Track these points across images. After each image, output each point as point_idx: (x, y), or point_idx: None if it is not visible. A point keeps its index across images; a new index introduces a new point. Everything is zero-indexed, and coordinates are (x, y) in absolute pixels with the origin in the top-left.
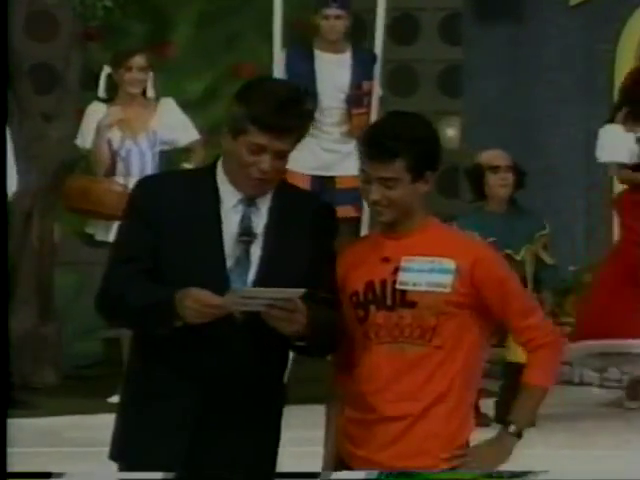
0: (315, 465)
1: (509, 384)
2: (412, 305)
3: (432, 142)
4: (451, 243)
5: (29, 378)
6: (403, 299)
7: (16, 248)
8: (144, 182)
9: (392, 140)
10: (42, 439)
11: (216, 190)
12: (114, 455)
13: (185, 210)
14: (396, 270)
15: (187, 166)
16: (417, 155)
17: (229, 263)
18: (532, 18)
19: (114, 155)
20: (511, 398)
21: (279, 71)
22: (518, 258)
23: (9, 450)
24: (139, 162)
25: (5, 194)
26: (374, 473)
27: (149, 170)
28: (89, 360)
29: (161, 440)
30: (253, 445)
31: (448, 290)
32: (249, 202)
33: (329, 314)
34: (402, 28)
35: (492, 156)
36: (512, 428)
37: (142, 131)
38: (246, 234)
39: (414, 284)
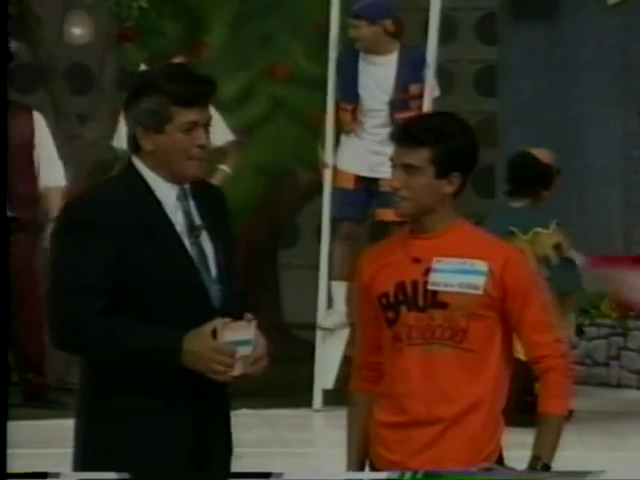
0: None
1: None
2: (443, 306)
3: (464, 143)
4: (482, 245)
5: (65, 379)
6: (434, 300)
7: (48, 249)
8: (84, 200)
9: (421, 129)
10: None
11: (152, 193)
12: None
13: (138, 220)
14: (427, 271)
15: (222, 168)
16: (444, 150)
17: (195, 262)
18: (568, 18)
19: None
20: (516, 394)
21: (332, 70)
22: (525, 237)
23: (48, 451)
24: None
25: (5, 195)
26: (399, 474)
27: None
28: None
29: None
30: (228, 441)
31: (480, 292)
32: (185, 196)
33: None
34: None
35: (542, 157)
36: (540, 463)
37: None
38: (196, 229)
39: (446, 285)
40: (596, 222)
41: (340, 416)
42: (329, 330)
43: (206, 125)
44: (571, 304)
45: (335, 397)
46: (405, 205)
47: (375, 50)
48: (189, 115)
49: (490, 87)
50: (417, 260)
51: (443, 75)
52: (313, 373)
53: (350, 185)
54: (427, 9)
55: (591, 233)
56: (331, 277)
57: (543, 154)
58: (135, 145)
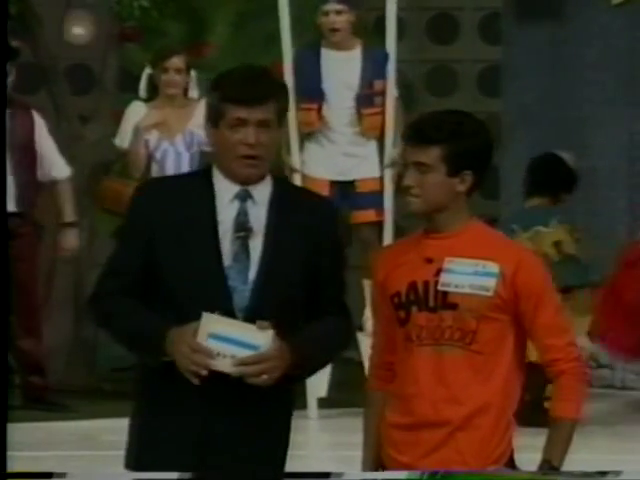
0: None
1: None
2: (453, 307)
3: (476, 142)
4: (495, 246)
5: (65, 381)
6: (444, 300)
7: (52, 250)
8: (141, 186)
9: (433, 127)
10: (79, 442)
11: (211, 187)
12: (129, 464)
13: (180, 210)
14: (439, 271)
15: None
16: (455, 148)
17: (227, 261)
18: (573, 17)
19: (150, 156)
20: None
21: (288, 72)
22: (525, 235)
23: (50, 453)
24: (174, 163)
25: (5, 195)
26: (416, 473)
27: (185, 171)
28: (126, 363)
29: (172, 450)
30: (260, 450)
31: (490, 294)
32: (245, 196)
33: (323, 332)
34: (441, 28)
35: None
36: (549, 466)
37: (179, 132)
38: (242, 229)
39: (456, 286)
40: (601, 223)
41: (334, 420)
42: None
43: (262, 125)
44: (576, 303)
45: (329, 401)
46: (417, 203)
47: (339, 45)
48: (236, 112)
49: (494, 87)
50: (429, 260)
51: (446, 75)
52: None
53: (325, 192)
54: (430, 8)
55: (595, 234)
56: None
57: (569, 157)
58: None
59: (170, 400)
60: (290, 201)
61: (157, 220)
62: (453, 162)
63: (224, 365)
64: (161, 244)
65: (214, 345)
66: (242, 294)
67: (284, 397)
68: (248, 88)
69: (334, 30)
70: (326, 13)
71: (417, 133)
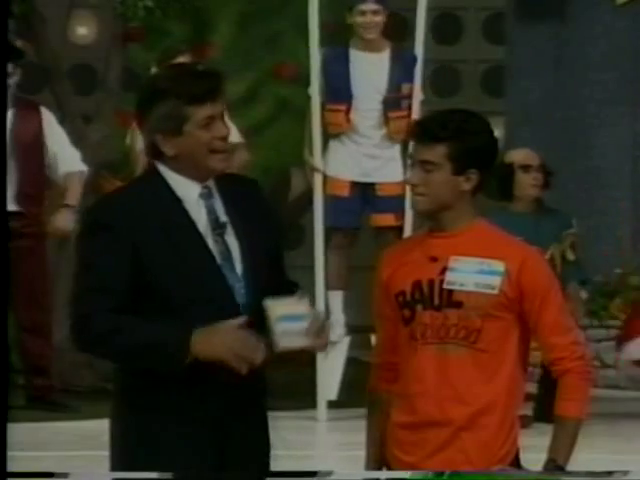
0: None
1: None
2: (458, 305)
3: (481, 140)
4: (500, 245)
5: (69, 381)
6: (449, 299)
7: (55, 251)
8: (103, 203)
9: (439, 125)
10: (82, 442)
11: (170, 190)
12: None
13: (156, 217)
14: (444, 269)
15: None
16: (461, 146)
17: (218, 259)
18: (577, 17)
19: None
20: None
21: (316, 72)
22: (546, 257)
23: (53, 453)
24: None
25: (5, 195)
26: (422, 473)
27: None
28: None
29: (180, 452)
30: (260, 444)
31: (496, 292)
32: (209, 194)
33: None
34: (445, 28)
35: (523, 155)
36: (554, 465)
37: None
38: (219, 226)
39: (461, 284)
40: (605, 223)
41: (343, 421)
42: (332, 343)
43: (222, 117)
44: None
45: (338, 402)
46: (422, 201)
47: (369, 47)
48: (204, 111)
49: (498, 87)
50: (434, 259)
51: (450, 75)
52: (316, 376)
53: (345, 192)
54: (434, 9)
55: (599, 234)
56: (327, 287)
57: (521, 153)
58: (156, 152)
59: (169, 404)
60: (232, 190)
61: (137, 230)
62: (458, 160)
63: (297, 341)
64: (150, 252)
65: (286, 326)
66: (239, 291)
67: (262, 390)
68: (207, 85)
69: (369, 30)
70: (363, 12)
71: (423, 131)
